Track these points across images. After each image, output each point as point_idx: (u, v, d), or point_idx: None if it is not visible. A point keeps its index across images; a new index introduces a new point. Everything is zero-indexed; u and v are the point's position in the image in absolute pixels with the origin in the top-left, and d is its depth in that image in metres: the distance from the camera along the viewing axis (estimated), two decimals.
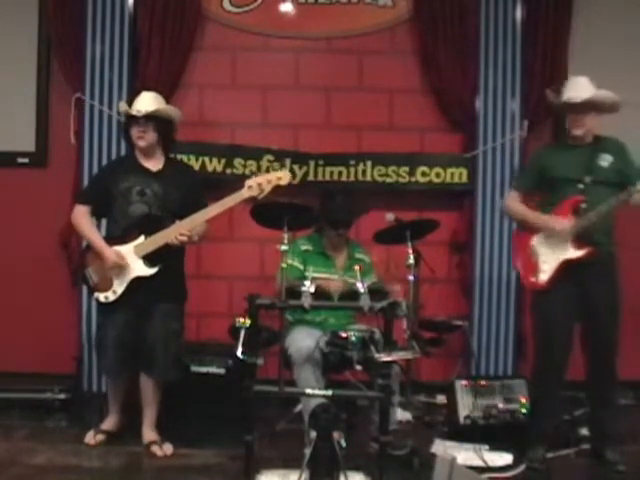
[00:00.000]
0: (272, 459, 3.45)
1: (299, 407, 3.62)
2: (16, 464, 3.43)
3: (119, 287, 3.58)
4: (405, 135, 4.70)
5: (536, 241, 3.57)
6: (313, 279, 3.27)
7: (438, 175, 4.59)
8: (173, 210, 3.62)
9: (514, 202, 3.71)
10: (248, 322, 3.13)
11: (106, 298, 3.61)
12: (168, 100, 4.55)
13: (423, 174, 4.59)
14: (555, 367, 3.57)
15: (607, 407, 3.55)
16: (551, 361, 3.58)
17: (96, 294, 3.65)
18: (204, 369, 3.94)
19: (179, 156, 4.44)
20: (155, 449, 3.63)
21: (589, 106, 3.49)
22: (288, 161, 4.54)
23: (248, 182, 3.46)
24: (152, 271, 3.55)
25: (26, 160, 4.69)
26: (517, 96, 4.56)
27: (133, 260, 3.56)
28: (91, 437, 3.72)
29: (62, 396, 4.25)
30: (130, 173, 3.64)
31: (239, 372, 3.46)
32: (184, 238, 3.52)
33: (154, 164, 3.69)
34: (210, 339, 4.35)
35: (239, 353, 3.11)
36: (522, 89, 4.55)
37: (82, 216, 3.69)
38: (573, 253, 3.46)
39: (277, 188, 3.46)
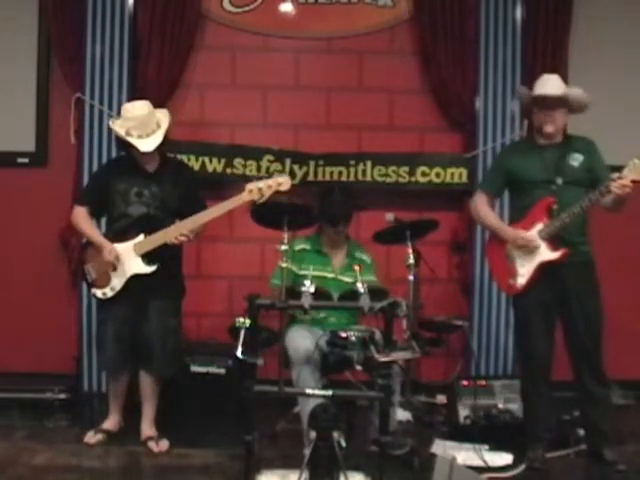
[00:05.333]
0: (272, 459, 3.44)
1: (299, 407, 3.62)
2: (16, 464, 3.43)
3: (117, 284, 3.62)
4: (405, 135, 4.70)
5: (511, 245, 3.56)
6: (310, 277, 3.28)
7: (438, 175, 4.58)
8: (171, 209, 3.66)
9: (481, 206, 3.71)
10: (248, 322, 3.13)
11: (104, 294, 3.66)
12: (168, 100, 4.59)
13: (423, 174, 4.59)
14: (538, 368, 3.58)
15: (596, 405, 3.53)
16: (533, 363, 3.59)
17: (94, 290, 3.70)
18: (204, 369, 3.95)
19: (179, 156, 4.44)
20: (152, 445, 3.66)
21: (562, 102, 3.49)
22: (288, 161, 4.54)
23: (249, 186, 3.48)
24: (150, 269, 3.59)
25: (26, 160, 4.69)
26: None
27: (132, 258, 3.59)
28: (91, 436, 3.72)
29: (62, 396, 4.26)
30: (127, 174, 3.67)
31: (239, 372, 3.47)
32: (183, 238, 3.56)
33: (151, 165, 3.70)
34: (210, 339, 4.36)
35: (239, 353, 3.11)
36: None
37: (81, 216, 3.73)
38: (549, 255, 3.46)
39: (277, 193, 3.48)
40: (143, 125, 3.57)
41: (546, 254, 3.46)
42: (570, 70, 4.51)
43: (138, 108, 3.64)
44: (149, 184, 3.65)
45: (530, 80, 4.50)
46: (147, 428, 3.75)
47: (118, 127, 3.63)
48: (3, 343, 4.53)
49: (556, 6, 4.57)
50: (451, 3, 4.54)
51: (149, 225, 3.60)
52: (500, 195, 3.88)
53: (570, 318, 3.52)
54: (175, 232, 3.55)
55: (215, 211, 3.55)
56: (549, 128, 3.51)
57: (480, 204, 3.72)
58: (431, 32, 4.56)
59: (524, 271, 3.51)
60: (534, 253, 3.48)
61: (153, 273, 3.59)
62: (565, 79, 4.55)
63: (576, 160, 3.50)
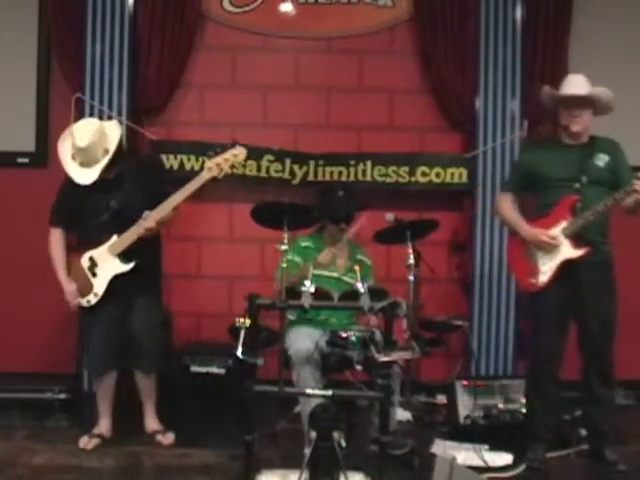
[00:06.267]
0: (272, 459, 3.45)
1: (299, 407, 3.62)
2: (16, 464, 3.44)
3: (100, 289, 3.67)
4: (405, 135, 4.70)
5: (533, 243, 3.56)
6: (313, 275, 3.27)
7: (438, 175, 4.58)
8: (141, 209, 3.63)
9: (505, 205, 3.73)
10: (248, 322, 3.13)
11: (88, 302, 3.71)
12: (168, 100, 4.59)
13: (423, 174, 4.58)
14: (545, 366, 3.60)
15: (598, 405, 3.55)
16: (541, 359, 3.61)
17: (78, 299, 3.73)
18: (204, 369, 3.94)
19: (179, 156, 4.45)
20: (159, 438, 3.74)
21: (589, 102, 3.52)
22: (288, 161, 4.54)
23: (207, 164, 3.56)
24: (129, 267, 3.63)
25: (26, 160, 4.69)
26: (517, 96, 4.56)
27: (109, 259, 3.63)
28: (86, 442, 3.72)
29: (62, 396, 4.26)
30: (91, 186, 3.61)
31: (239, 372, 3.46)
32: (154, 227, 3.59)
33: (111, 171, 3.67)
34: (210, 339, 4.36)
35: (239, 353, 3.11)
36: (522, 89, 4.54)
37: (55, 242, 3.79)
38: (573, 252, 3.46)
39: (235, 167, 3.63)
40: (88, 154, 3.58)
41: (569, 251, 3.47)
42: (570, 70, 4.50)
43: (86, 135, 3.57)
44: (115, 192, 3.66)
45: (530, 80, 4.53)
46: (152, 422, 3.82)
47: (66, 148, 3.66)
48: (3, 343, 4.52)
49: (556, 6, 4.56)
50: (451, 3, 4.54)
51: (121, 225, 3.62)
52: (523, 194, 3.81)
53: (584, 319, 3.52)
54: (146, 223, 3.56)
55: (179, 195, 3.58)
56: (576, 127, 3.52)
57: (503, 203, 3.74)
58: (431, 32, 4.56)
59: (546, 269, 3.51)
60: (556, 251, 3.48)
61: (134, 270, 3.62)
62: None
63: (602, 160, 3.52)
